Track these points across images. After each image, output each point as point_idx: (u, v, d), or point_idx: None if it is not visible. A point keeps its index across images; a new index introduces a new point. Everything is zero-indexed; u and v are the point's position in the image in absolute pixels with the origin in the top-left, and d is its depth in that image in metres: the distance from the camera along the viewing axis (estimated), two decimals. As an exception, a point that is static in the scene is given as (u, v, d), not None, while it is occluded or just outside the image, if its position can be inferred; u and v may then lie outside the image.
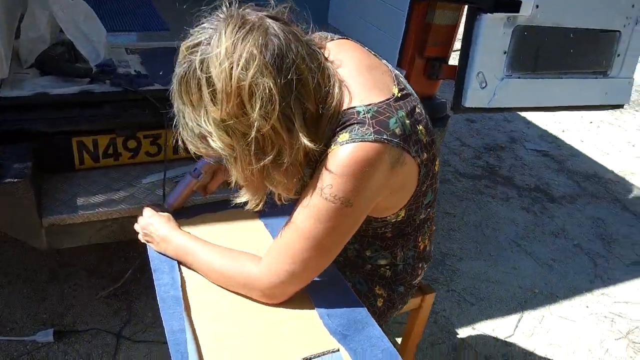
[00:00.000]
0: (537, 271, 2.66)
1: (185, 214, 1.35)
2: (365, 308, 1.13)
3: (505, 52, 2.04)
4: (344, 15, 2.78)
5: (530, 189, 3.42)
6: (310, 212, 1.01)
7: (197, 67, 0.92)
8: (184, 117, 0.99)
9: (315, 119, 0.99)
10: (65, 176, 1.72)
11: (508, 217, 3.06)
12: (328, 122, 1.01)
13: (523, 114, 4.46)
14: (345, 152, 0.97)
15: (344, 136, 0.99)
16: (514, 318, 2.33)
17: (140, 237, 1.29)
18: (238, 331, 1.04)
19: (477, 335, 2.20)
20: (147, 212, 1.29)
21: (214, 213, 1.38)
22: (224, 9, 0.97)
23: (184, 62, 0.95)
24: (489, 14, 1.92)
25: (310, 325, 1.07)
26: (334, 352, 1.02)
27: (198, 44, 0.93)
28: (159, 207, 1.34)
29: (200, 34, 0.95)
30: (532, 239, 2.91)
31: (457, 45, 2.07)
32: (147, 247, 1.27)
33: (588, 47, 2.24)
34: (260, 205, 1.08)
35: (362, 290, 1.27)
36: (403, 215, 1.15)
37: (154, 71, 1.89)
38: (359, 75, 1.07)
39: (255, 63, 0.89)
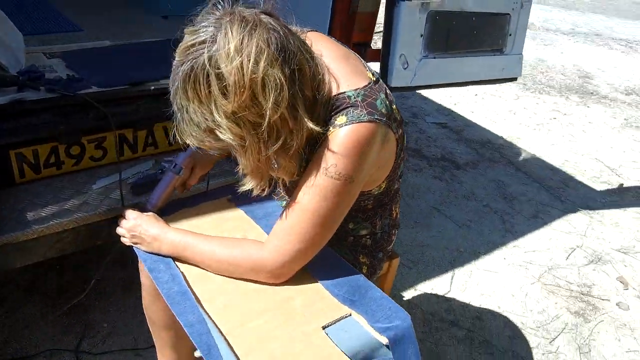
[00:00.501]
0: (459, 232, 2.91)
1: (166, 212, 1.36)
2: (362, 275, 1.22)
3: (421, 35, 2.22)
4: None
5: (438, 159, 3.70)
6: (316, 190, 1.08)
7: (206, 63, 0.95)
8: (187, 112, 1.02)
9: (312, 105, 1.06)
10: (5, 192, 1.62)
11: (424, 186, 3.30)
12: (322, 107, 1.09)
13: (419, 90, 4.77)
14: (345, 133, 1.06)
15: (341, 119, 1.08)
16: (447, 276, 2.55)
17: (125, 240, 1.28)
18: (254, 313, 1.09)
19: (420, 295, 2.38)
20: (132, 214, 1.28)
21: (194, 207, 1.40)
22: (219, 7, 1.01)
23: (188, 60, 0.97)
24: (406, 1, 2.08)
25: (319, 297, 1.15)
26: (347, 317, 1.10)
27: (202, 42, 0.97)
28: (139, 208, 1.34)
29: (202, 32, 0.98)
30: (448, 204, 3.17)
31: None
32: (135, 249, 1.27)
33: (487, 28, 2.49)
34: (266, 191, 1.13)
35: (349, 260, 1.36)
36: (384, 187, 1.26)
37: (86, 74, 1.83)
38: (339, 64, 1.16)
39: (265, 56, 0.95)
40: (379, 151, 1.12)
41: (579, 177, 3.88)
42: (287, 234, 1.12)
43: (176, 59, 1.01)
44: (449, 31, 2.33)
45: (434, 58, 2.31)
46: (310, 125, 1.03)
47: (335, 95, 1.12)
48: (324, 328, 1.07)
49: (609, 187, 3.83)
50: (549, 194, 3.55)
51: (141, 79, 1.82)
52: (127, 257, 2.12)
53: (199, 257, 1.19)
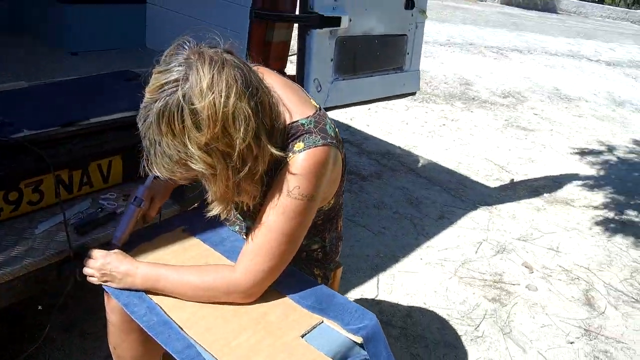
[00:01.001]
0: (375, 239, 3.11)
1: (127, 248, 1.40)
2: (323, 285, 1.35)
3: (332, 60, 2.39)
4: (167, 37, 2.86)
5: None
6: (281, 211, 1.19)
7: (180, 100, 1.04)
8: (159, 146, 1.09)
9: (272, 133, 1.18)
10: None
11: (341, 201, 3.48)
12: (280, 134, 1.21)
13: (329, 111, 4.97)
14: (304, 157, 1.19)
15: (299, 145, 1.20)
16: (373, 281, 2.72)
17: (93, 279, 1.30)
18: (235, 331, 1.17)
19: (353, 301, 2.53)
20: (98, 253, 1.31)
21: (151, 240, 1.45)
22: (185, 47, 1.10)
23: (161, 98, 1.05)
24: (317, 29, 2.24)
25: (290, 310, 1.25)
26: (320, 324, 1.22)
27: (175, 80, 1.05)
28: (104, 245, 1.36)
29: (173, 72, 1.06)
30: (361, 214, 3.36)
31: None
32: (105, 287, 1.30)
33: (388, 49, 2.72)
34: (227, 214, 1.23)
35: (306, 273, 1.48)
36: (332, 202, 1.40)
37: (13, 117, 1.80)
38: (288, 95, 1.28)
39: (234, 92, 1.05)
40: (332, 170, 1.25)
41: (474, 177, 4.26)
42: (256, 254, 1.22)
43: (147, 96, 1.09)
44: (356, 54, 2.52)
45: (344, 80, 2.49)
46: (273, 150, 1.15)
47: (289, 124, 1.24)
48: (302, 336, 1.17)
49: (502, 183, 4.24)
50: (450, 195, 3.87)
51: (72, 119, 1.83)
52: (67, 300, 2.09)
53: (173, 287, 1.25)
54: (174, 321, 1.18)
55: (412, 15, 2.77)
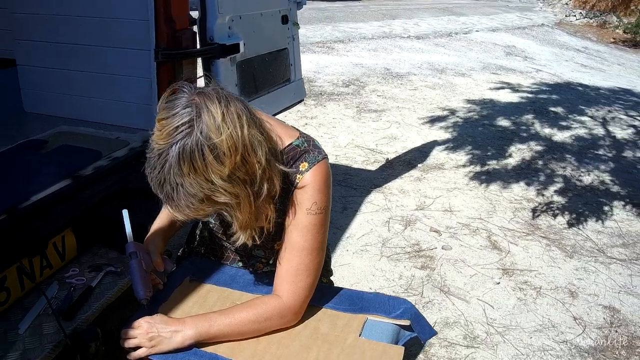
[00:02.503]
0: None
1: (149, 311, 1.38)
2: (344, 288, 1.47)
3: (236, 84, 2.48)
4: (45, 97, 2.71)
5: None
6: (307, 230, 1.29)
7: (199, 137, 1.07)
8: (182, 187, 1.10)
9: (276, 154, 1.26)
10: None
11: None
12: (277, 158, 1.29)
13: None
14: (313, 175, 1.29)
15: (304, 165, 1.30)
16: (319, 283, 2.86)
17: (141, 351, 1.26)
18: (302, 353, 1.24)
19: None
20: (140, 320, 1.28)
21: (167, 301, 1.43)
22: (184, 91, 1.13)
23: (176, 141, 1.07)
24: (221, 58, 2.31)
25: (335, 318, 1.35)
26: (366, 321, 1.34)
27: (187, 122, 1.07)
28: (140, 312, 1.33)
29: (181, 115, 1.08)
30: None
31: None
32: (153, 357, 1.27)
33: (276, 64, 2.87)
34: (251, 240, 1.26)
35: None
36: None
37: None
38: (271, 122, 1.37)
39: (245, 122, 1.13)
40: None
41: (354, 165, 4.56)
42: (296, 275, 1.30)
43: (159, 144, 1.09)
44: (254, 75, 2.63)
45: (249, 101, 2.58)
46: (282, 168, 1.23)
47: (284, 148, 1.33)
48: (360, 336, 1.29)
49: (380, 164, 4.60)
50: (342, 187, 4.12)
51: (11, 204, 1.71)
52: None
53: (228, 328, 1.27)
54: (241, 362, 1.22)
55: (288, 29, 2.94)
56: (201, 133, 1.07)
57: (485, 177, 4.37)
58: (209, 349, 1.27)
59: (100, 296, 1.72)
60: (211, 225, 1.49)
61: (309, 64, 8.19)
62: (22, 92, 2.72)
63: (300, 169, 1.30)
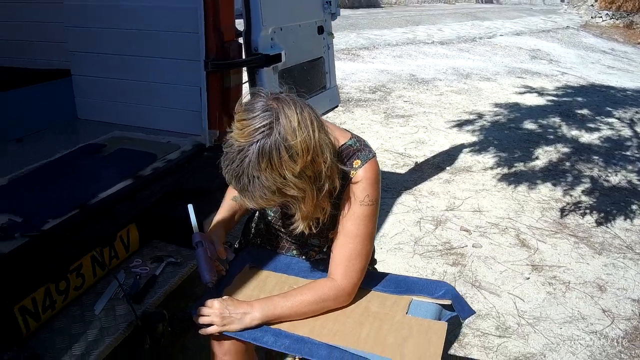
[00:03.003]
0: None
1: (215, 294, 1.54)
2: (389, 273, 1.62)
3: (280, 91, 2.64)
4: (97, 105, 2.91)
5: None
6: (360, 220, 1.45)
7: (277, 138, 1.23)
8: (258, 180, 1.25)
9: (336, 154, 1.42)
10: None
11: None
12: (338, 158, 1.44)
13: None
14: (365, 170, 1.45)
15: (357, 162, 1.46)
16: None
17: (213, 328, 1.42)
18: (356, 328, 1.39)
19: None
20: (214, 301, 1.43)
21: (230, 286, 1.60)
22: (262, 96, 1.29)
23: (256, 140, 1.23)
24: (264, 68, 2.48)
25: (383, 299, 1.50)
26: (412, 301, 1.49)
27: (269, 124, 1.23)
28: (208, 294, 1.49)
29: (261, 118, 1.24)
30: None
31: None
32: (226, 333, 1.42)
33: (313, 72, 3.04)
34: (308, 229, 1.42)
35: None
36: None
37: (20, 212, 1.84)
38: (327, 124, 1.52)
39: (316, 127, 1.29)
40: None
41: (385, 169, 4.70)
42: (349, 259, 1.46)
43: (239, 141, 1.25)
44: (295, 82, 2.79)
45: (291, 107, 2.75)
46: (341, 167, 1.40)
47: (340, 147, 1.48)
48: (406, 313, 1.44)
49: (409, 167, 4.73)
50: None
51: (82, 201, 1.90)
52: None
53: (290, 309, 1.43)
54: (304, 336, 1.37)
55: (324, 38, 3.11)
56: (279, 134, 1.23)
57: (513, 179, 4.47)
58: (273, 326, 1.43)
59: (163, 284, 1.89)
60: (269, 218, 1.66)
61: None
62: (76, 100, 2.93)
63: (354, 166, 1.46)
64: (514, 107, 6.78)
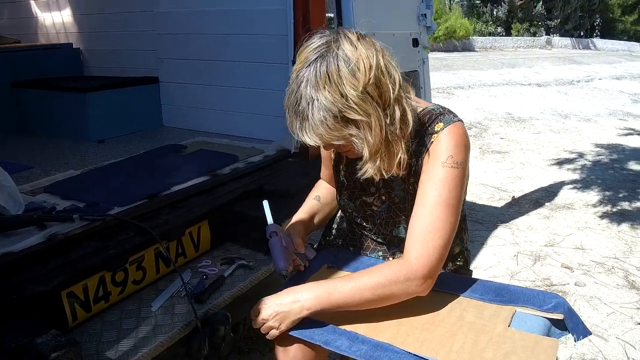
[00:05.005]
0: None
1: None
2: (484, 279, 1.35)
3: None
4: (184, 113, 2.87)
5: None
6: (442, 184, 1.21)
7: (336, 51, 1.11)
8: (317, 101, 1.11)
9: (409, 100, 1.24)
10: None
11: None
12: (414, 118, 1.23)
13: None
14: (448, 131, 1.23)
15: (439, 125, 1.25)
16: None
17: (274, 333, 1.22)
18: (447, 339, 1.14)
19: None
20: (266, 303, 1.23)
21: (306, 281, 1.40)
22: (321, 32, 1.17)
23: (315, 58, 1.12)
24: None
25: (480, 308, 1.24)
26: (515, 313, 1.22)
27: (326, 43, 1.12)
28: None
29: (320, 39, 1.14)
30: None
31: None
32: (291, 333, 1.22)
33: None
34: (379, 174, 1.22)
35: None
36: (464, 196, 1.39)
37: (89, 200, 1.75)
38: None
39: (380, 49, 1.16)
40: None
41: (479, 202, 4.37)
42: (426, 233, 1.19)
43: (297, 66, 1.15)
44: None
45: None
46: (414, 104, 1.23)
47: (420, 112, 1.29)
48: (509, 326, 1.17)
49: (505, 201, 4.38)
50: (467, 220, 3.94)
51: (153, 192, 1.79)
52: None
53: (348, 294, 1.18)
54: (385, 342, 1.14)
55: (419, 52, 2.93)
56: (338, 49, 1.11)
57: (619, 218, 4.01)
58: (348, 327, 1.20)
59: (231, 286, 1.72)
60: (350, 210, 1.45)
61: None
62: (162, 108, 2.91)
63: (435, 129, 1.25)
64: (617, 147, 6.25)
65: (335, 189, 1.54)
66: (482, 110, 8.07)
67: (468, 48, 16.29)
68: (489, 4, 18.19)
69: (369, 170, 1.20)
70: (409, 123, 1.19)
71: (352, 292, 1.18)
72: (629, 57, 16.05)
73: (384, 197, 1.37)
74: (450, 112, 1.28)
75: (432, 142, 1.24)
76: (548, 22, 17.83)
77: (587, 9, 17.72)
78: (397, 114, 1.16)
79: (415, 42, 2.89)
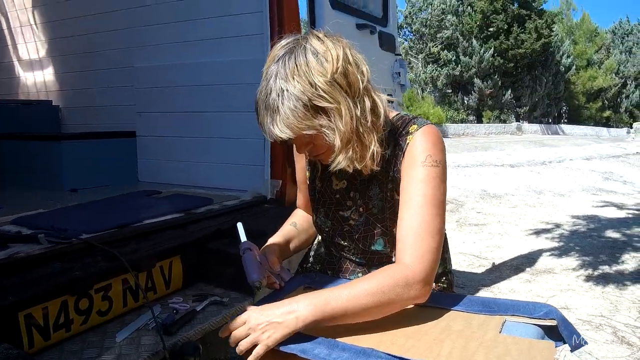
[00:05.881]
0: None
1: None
2: (470, 294, 1.29)
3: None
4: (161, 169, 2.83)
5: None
6: (424, 183, 1.18)
7: (303, 45, 1.14)
8: (287, 91, 1.11)
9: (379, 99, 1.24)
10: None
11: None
12: (384, 121, 1.24)
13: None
14: (423, 132, 1.23)
15: (413, 127, 1.25)
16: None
17: (260, 349, 1.07)
18: (435, 345, 1.06)
19: None
20: (246, 315, 1.11)
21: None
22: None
23: (283, 53, 1.13)
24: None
25: (468, 318, 1.17)
26: (505, 322, 1.15)
27: (294, 39, 1.16)
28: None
29: (286, 38, 1.17)
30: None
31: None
32: (278, 348, 1.11)
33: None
34: (351, 165, 1.20)
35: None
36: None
37: (60, 225, 1.67)
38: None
39: (348, 46, 1.18)
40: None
41: (460, 269, 4.31)
42: (416, 235, 1.15)
43: (267, 64, 1.16)
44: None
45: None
46: (384, 97, 1.23)
47: (393, 117, 1.29)
48: (500, 332, 1.10)
49: (486, 268, 4.34)
50: (445, 285, 3.86)
51: (125, 222, 1.72)
52: None
53: (347, 302, 1.09)
54: (369, 348, 1.05)
55: (393, 108, 2.99)
56: (306, 42, 1.14)
57: (602, 280, 3.98)
58: (336, 338, 1.11)
59: (203, 320, 1.62)
60: (327, 229, 1.40)
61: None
62: (138, 162, 2.87)
63: (410, 131, 1.24)
64: (593, 218, 6.33)
65: (311, 216, 1.50)
66: (458, 188, 8.18)
67: (442, 135, 16.87)
68: (459, 93, 19.01)
69: (341, 162, 1.19)
70: (379, 115, 1.20)
71: (350, 300, 1.10)
72: (596, 140, 16.74)
73: (361, 209, 1.33)
74: (421, 117, 1.30)
75: (408, 143, 1.23)
76: (517, 109, 18.62)
77: (553, 96, 18.61)
78: (367, 104, 1.17)
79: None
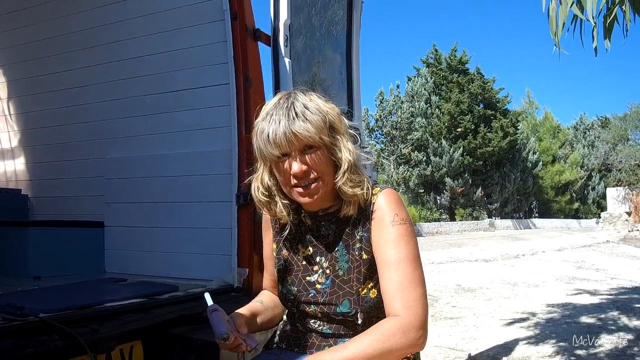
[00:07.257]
0: None
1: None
2: None
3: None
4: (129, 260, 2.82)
5: None
6: (397, 241, 1.27)
7: (291, 95, 1.29)
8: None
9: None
10: None
11: None
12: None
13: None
14: (385, 194, 1.34)
15: (376, 190, 1.35)
16: None
17: None
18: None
19: None
20: None
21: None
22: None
23: (281, 97, 1.31)
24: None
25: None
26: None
27: (285, 94, 1.32)
28: None
29: (277, 97, 1.32)
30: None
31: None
32: None
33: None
34: (348, 188, 1.32)
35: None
36: None
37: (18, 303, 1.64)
38: None
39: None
40: None
41: (433, 364, 4.24)
42: (404, 288, 1.22)
43: (261, 117, 1.30)
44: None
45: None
46: (349, 145, 1.32)
47: None
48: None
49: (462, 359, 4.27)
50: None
51: (86, 303, 1.71)
52: None
53: (352, 355, 1.15)
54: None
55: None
56: (295, 95, 1.30)
57: (578, 365, 3.95)
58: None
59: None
60: (292, 298, 1.42)
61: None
62: (105, 253, 2.86)
63: (373, 194, 1.35)
64: (568, 305, 6.36)
65: (277, 297, 1.53)
66: (432, 284, 8.17)
67: (416, 234, 17.10)
68: (432, 192, 19.46)
69: (345, 182, 1.29)
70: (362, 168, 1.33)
71: (355, 356, 1.15)
72: (567, 232, 17.11)
73: (328, 271, 1.38)
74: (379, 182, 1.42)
75: (373, 203, 1.32)
76: (489, 205, 19.05)
77: (523, 192, 19.16)
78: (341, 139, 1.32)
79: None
